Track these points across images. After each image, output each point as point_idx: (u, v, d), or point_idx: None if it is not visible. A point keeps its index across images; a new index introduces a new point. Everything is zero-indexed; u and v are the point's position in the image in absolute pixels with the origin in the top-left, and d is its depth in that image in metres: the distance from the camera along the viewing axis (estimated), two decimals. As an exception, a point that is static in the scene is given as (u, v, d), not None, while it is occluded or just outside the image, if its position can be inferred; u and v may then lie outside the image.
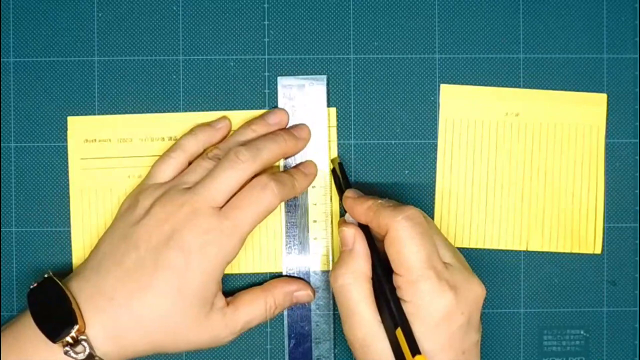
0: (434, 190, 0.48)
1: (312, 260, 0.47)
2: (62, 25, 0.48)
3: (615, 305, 0.49)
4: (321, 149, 0.47)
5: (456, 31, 0.48)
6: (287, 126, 0.47)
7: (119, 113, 0.48)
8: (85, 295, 0.41)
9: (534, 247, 0.48)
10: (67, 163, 0.47)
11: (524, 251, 0.48)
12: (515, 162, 0.48)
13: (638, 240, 0.49)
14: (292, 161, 0.47)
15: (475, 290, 0.40)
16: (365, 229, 0.43)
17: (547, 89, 0.48)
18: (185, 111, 0.48)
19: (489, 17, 0.48)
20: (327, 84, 0.48)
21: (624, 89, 0.49)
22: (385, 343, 0.40)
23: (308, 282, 0.47)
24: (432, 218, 0.48)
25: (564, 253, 0.48)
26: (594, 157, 0.48)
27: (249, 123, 0.46)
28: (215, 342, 0.43)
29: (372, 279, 0.41)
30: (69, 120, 0.47)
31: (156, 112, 0.48)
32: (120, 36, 0.48)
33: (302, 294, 0.46)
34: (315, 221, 0.47)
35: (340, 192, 0.46)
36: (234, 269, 0.48)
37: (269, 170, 0.45)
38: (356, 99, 0.48)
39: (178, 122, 0.48)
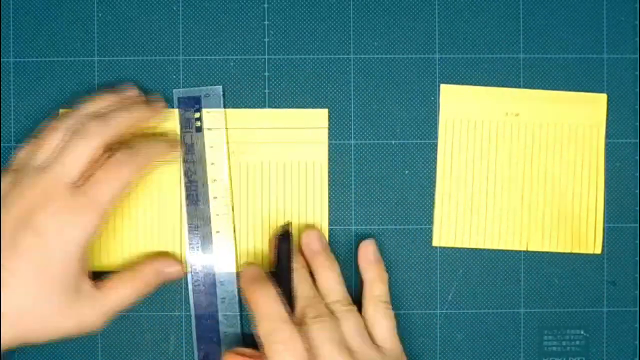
0: (434, 191, 0.48)
1: (217, 259, 0.47)
2: (62, 25, 0.48)
3: (615, 305, 0.49)
4: (220, 159, 0.47)
5: (456, 31, 0.48)
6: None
7: (119, 113, 0.48)
8: None
9: (534, 247, 0.48)
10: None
11: (524, 251, 0.48)
12: (515, 162, 0.48)
13: (638, 240, 0.49)
14: (193, 171, 0.46)
15: None
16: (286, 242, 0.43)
17: (547, 89, 0.48)
18: (185, 111, 0.48)
19: (489, 17, 0.48)
20: (223, 95, 0.47)
21: (624, 89, 0.49)
22: None
23: (177, 260, 0.46)
24: (432, 218, 0.48)
25: (564, 253, 0.48)
26: (594, 157, 0.48)
27: (101, 95, 0.45)
28: (84, 327, 0.42)
29: None
30: None
31: (156, 112, 0.48)
32: (120, 36, 0.48)
33: (171, 270, 0.45)
34: (218, 214, 0.46)
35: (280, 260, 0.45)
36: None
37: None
38: (356, 99, 0.48)
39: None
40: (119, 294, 0.43)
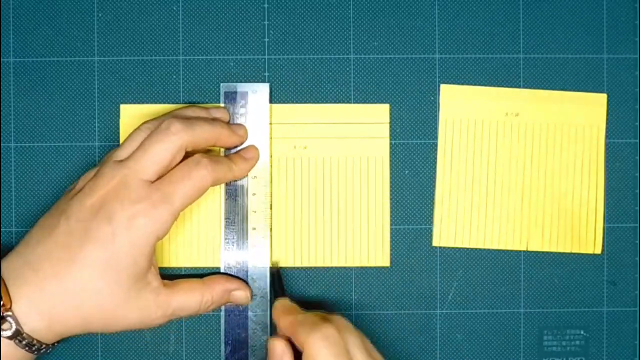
0: (434, 190, 0.48)
1: (251, 255, 0.47)
2: (62, 25, 0.48)
3: (615, 305, 0.49)
4: (262, 155, 0.47)
5: (456, 31, 0.48)
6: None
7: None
8: (13, 269, 0.41)
9: (534, 247, 0.48)
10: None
11: (524, 251, 0.48)
12: (515, 162, 0.48)
13: (638, 240, 0.49)
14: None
15: None
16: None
17: (547, 89, 0.48)
18: (185, 111, 0.48)
19: (489, 17, 0.48)
20: (270, 92, 0.47)
21: (624, 89, 0.49)
22: None
23: (247, 284, 0.46)
24: (432, 218, 0.48)
25: (564, 253, 0.48)
26: (594, 157, 0.48)
27: (191, 105, 0.46)
28: (145, 323, 0.42)
29: None
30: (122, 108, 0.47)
31: (156, 112, 0.48)
32: (120, 36, 0.48)
33: (239, 294, 0.46)
34: (255, 211, 0.47)
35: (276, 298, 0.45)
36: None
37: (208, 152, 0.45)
38: (356, 99, 0.48)
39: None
40: (185, 299, 0.44)
